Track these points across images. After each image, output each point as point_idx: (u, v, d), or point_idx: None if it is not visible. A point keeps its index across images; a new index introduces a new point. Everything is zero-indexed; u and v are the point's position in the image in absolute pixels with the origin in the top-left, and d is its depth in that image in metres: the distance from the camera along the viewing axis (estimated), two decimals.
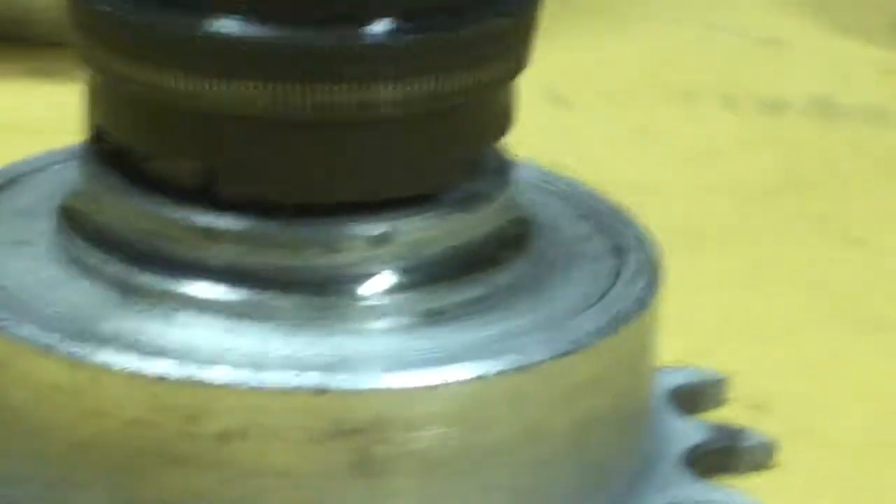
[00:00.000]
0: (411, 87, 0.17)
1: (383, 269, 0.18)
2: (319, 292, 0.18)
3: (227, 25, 0.17)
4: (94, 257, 0.18)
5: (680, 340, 0.24)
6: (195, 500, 0.16)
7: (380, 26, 0.17)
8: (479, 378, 0.17)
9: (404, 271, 0.18)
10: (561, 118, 0.39)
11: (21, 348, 0.17)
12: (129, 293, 0.18)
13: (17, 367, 0.17)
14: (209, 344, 0.17)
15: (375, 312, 0.18)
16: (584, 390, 0.18)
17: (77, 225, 0.19)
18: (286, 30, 0.16)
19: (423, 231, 0.18)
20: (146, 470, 0.16)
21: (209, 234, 0.17)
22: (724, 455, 0.22)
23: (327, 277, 0.18)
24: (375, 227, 0.18)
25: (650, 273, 0.20)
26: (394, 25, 0.17)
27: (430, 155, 0.18)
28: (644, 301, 0.20)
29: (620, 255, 0.21)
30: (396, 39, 0.17)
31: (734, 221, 0.34)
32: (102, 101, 0.19)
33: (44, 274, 0.19)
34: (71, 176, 0.20)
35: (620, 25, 0.46)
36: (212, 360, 0.16)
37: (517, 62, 0.19)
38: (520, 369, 0.17)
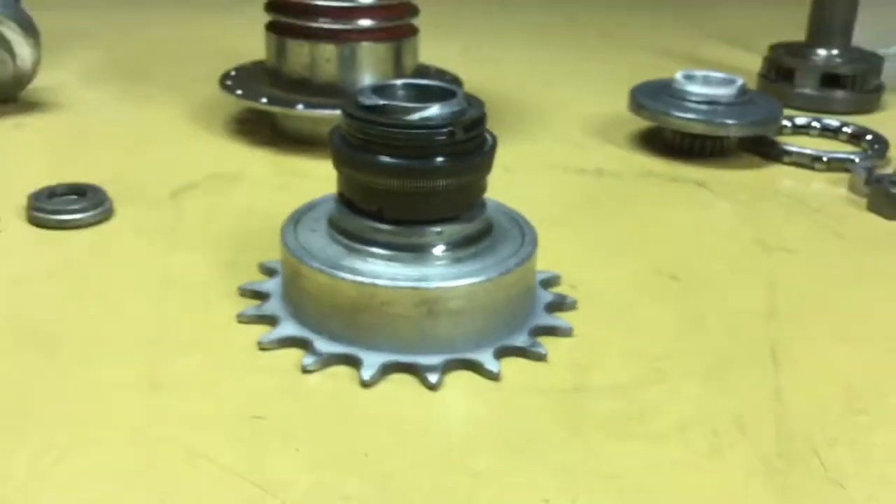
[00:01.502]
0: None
1: (440, 243, 0.47)
2: (418, 253, 0.47)
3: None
4: (338, 237, 0.48)
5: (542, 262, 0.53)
6: (372, 325, 0.46)
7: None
8: (474, 284, 0.46)
9: (448, 243, 0.47)
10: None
11: (312, 270, 0.47)
12: (350, 251, 0.48)
13: (311, 279, 0.47)
14: (378, 270, 0.46)
15: (437, 259, 0.47)
16: (512, 285, 0.47)
17: (332, 225, 0.49)
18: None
19: (457, 230, 0.47)
20: (352, 314, 0.46)
21: (377, 230, 0.47)
22: (558, 306, 0.51)
23: (421, 245, 0.47)
24: (438, 227, 0.47)
25: (532, 243, 0.49)
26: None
27: (460, 202, 0.47)
28: (531, 253, 0.48)
29: (522, 235, 0.50)
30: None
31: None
32: (345, 183, 0.48)
33: (321, 243, 0.49)
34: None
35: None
36: (378, 276, 0.46)
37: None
38: (487, 280, 0.46)
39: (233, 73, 0.79)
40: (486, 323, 0.47)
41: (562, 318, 0.50)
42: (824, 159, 0.74)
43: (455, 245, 0.48)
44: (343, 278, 0.46)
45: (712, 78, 0.77)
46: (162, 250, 0.57)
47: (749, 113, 0.74)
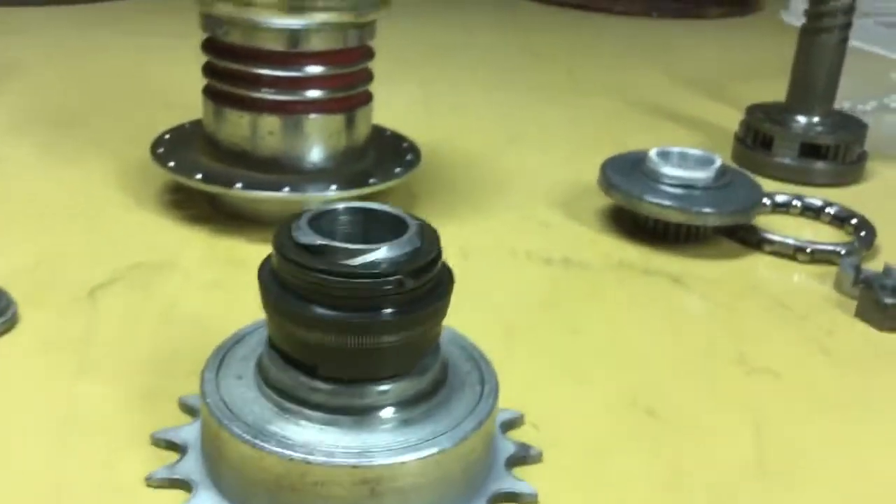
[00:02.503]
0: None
1: (386, 404, 0.40)
2: (360, 416, 0.40)
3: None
4: (268, 391, 0.41)
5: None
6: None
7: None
8: (426, 458, 0.39)
9: (395, 404, 0.40)
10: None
11: (233, 437, 0.39)
12: (282, 411, 0.40)
13: (231, 446, 0.39)
14: (312, 440, 0.39)
15: (382, 423, 0.40)
16: (471, 451, 0.40)
17: (261, 373, 0.42)
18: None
19: (406, 388, 0.40)
20: (277, 492, 0.39)
21: (312, 389, 0.40)
22: (521, 459, 0.44)
23: (363, 407, 0.40)
24: (384, 386, 0.40)
25: (493, 393, 0.42)
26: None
27: (410, 357, 0.40)
28: (489, 411, 0.41)
29: (482, 384, 0.43)
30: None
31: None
32: (276, 331, 0.41)
33: (247, 396, 0.41)
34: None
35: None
36: (310, 448, 0.38)
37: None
38: (441, 452, 0.39)
39: (167, 136, 0.70)
40: (438, 498, 0.40)
41: (524, 480, 0.43)
42: (808, 250, 0.67)
43: (403, 405, 0.40)
44: (269, 451, 0.38)
45: (689, 157, 0.70)
46: (68, 375, 0.49)
47: (727, 199, 0.67)
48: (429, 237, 0.40)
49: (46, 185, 0.72)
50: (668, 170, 0.68)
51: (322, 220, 0.41)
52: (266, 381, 0.41)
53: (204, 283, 0.59)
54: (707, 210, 0.66)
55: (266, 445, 0.38)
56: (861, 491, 0.45)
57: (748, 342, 0.57)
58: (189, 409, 0.46)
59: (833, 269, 0.66)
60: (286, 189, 0.63)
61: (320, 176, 0.65)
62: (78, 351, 0.51)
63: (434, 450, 0.39)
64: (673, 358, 0.55)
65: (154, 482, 0.42)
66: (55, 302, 0.55)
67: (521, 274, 0.64)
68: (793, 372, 0.54)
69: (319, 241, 0.39)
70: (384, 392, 0.40)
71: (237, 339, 0.45)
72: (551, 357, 0.54)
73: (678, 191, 0.67)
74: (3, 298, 0.53)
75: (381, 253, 0.38)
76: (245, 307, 0.50)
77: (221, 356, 0.44)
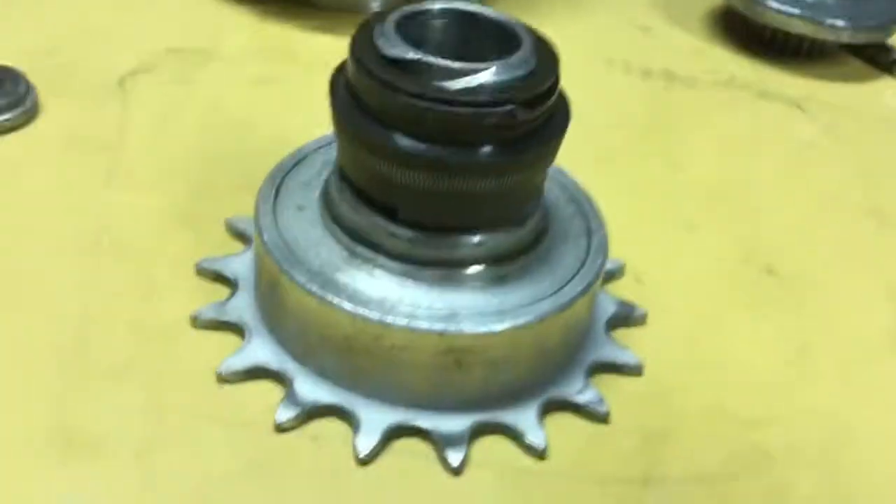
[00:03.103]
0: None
1: (478, 258, 0.33)
2: (447, 270, 0.33)
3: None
4: (336, 231, 0.34)
5: None
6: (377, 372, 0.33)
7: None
8: (521, 326, 0.32)
9: (488, 258, 0.33)
10: None
11: (296, 286, 0.32)
12: (353, 256, 0.33)
13: (293, 296, 0.33)
14: (390, 296, 0.32)
15: (472, 280, 0.33)
16: (571, 319, 0.34)
17: (328, 207, 0.35)
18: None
19: (502, 241, 0.33)
20: (347, 353, 0.33)
21: (391, 235, 0.33)
22: (623, 320, 0.38)
23: (452, 260, 0.33)
24: (477, 237, 0.33)
25: (603, 253, 0.35)
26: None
27: (511, 205, 0.33)
28: (598, 273, 0.35)
29: (588, 235, 0.36)
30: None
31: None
32: (349, 161, 0.33)
33: (311, 234, 0.34)
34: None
35: None
36: (389, 308, 0.32)
37: None
38: (539, 321, 0.33)
39: None
40: (531, 370, 0.34)
41: (627, 347, 0.37)
42: None
43: (498, 259, 0.33)
44: (338, 306, 0.32)
45: None
46: (98, 180, 0.42)
47: (863, 11, 0.57)
48: (545, 55, 0.32)
49: None
50: None
51: (412, 25, 0.33)
52: (334, 218, 0.34)
53: (251, 78, 0.51)
54: (839, 23, 0.56)
55: (335, 300, 0.32)
56: None
57: (879, 188, 0.49)
58: (238, 235, 0.40)
59: None
60: None
61: None
62: (108, 151, 0.44)
63: (532, 316, 0.33)
64: (794, 205, 0.48)
65: (201, 323, 0.36)
66: (80, 90, 0.48)
67: (617, 89, 0.55)
68: None
69: (411, 53, 0.31)
70: (477, 244, 0.33)
71: (297, 160, 0.38)
72: (651, 196, 0.47)
73: None
74: (21, 84, 0.46)
75: (489, 75, 0.30)
76: (301, 111, 0.43)
77: (279, 180, 0.37)
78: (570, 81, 0.53)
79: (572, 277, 0.34)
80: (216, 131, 0.47)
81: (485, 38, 0.33)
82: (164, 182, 0.43)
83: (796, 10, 0.56)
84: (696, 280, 0.42)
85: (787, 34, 0.58)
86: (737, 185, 0.48)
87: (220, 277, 0.38)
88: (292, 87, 0.50)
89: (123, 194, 0.42)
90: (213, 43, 0.53)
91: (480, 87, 0.30)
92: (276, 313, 0.35)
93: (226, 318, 0.36)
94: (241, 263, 0.38)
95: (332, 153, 0.37)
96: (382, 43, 0.31)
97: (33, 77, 0.46)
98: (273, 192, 0.36)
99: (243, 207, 0.39)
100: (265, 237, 0.34)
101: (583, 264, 0.35)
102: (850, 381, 0.38)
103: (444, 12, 0.34)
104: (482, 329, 0.32)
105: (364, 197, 0.33)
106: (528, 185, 0.33)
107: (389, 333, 0.32)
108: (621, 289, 0.40)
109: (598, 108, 0.52)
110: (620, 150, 0.50)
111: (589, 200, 0.38)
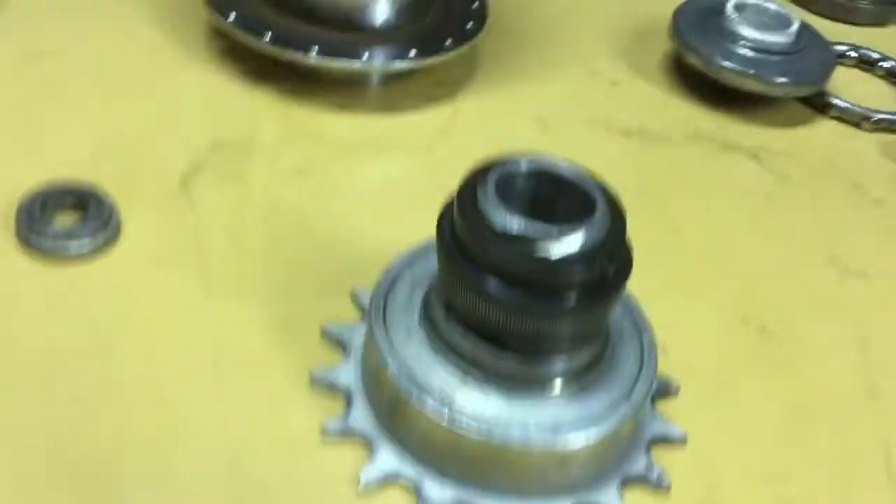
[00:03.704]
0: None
1: (562, 374, 0.41)
2: (543, 384, 0.41)
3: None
4: (448, 355, 0.41)
5: None
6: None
7: None
8: (608, 427, 0.40)
9: (569, 374, 0.41)
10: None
11: (424, 409, 0.40)
12: (466, 378, 0.40)
13: (422, 418, 0.40)
14: (504, 414, 0.40)
15: (558, 393, 0.41)
16: (640, 410, 0.42)
17: (436, 332, 0.41)
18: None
19: (580, 358, 0.41)
20: (471, 461, 0.40)
21: (501, 359, 0.40)
22: (664, 391, 0.46)
23: (546, 377, 0.41)
24: (562, 358, 0.40)
25: (655, 351, 0.43)
26: None
27: (591, 330, 0.40)
28: (655, 370, 0.43)
29: (639, 332, 0.44)
30: None
31: None
32: (458, 301, 0.40)
33: (424, 358, 0.41)
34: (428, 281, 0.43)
35: None
36: (507, 423, 0.39)
37: None
38: (620, 421, 0.41)
39: None
40: (612, 457, 0.42)
41: (671, 421, 0.45)
42: (873, 119, 0.68)
43: (580, 371, 0.41)
44: (464, 426, 0.39)
45: (766, 11, 0.68)
46: (198, 295, 0.48)
47: (803, 66, 0.66)
48: (616, 210, 0.40)
49: (74, 29, 0.65)
50: (747, 31, 0.66)
51: (506, 183, 0.39)
52: (444, 343, 0.41)
53: (293, 169, 0.56)
54: (784, 80, 0.65)
55: (461, 420, 0.39)
56: None
57: (834, 235, 0.59)
58: (336, 341, 0.46)
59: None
60: (365, 56, 0.59)
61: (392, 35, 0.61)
62: (196, 262, 0.49)
63: (615, 419, 0.41)
64: (769, 259, 0.57)
65: (329, 435, 0.42)
66: (151, 197, 0.52)
67: (605, 152, 0.62)
68: (880, 273, 0.57)
69: (516, 227, 0.37)
70: (567, 361, 0.41)
71: (391, 279, 0.44)
72: (656, 262, 0.54)
73: (755, 55, 0.66)
74: (104, 204, 0.50)
75: (579, 238, 0.38)
76: (347, 202, 0.53)
77: (382, 304, 0.43)
78: (562, 146, 0.61)
79: (637, 377, 0.42)
80: (279, 230, 0.52)
81: (564, 194, 0.40)
82: (254, 288, 0.48)
83: (751, 71, 0.65)
84: (709, 346, 0.50)
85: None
86: (721, 243, 0.57)
87: (332, 386, 0.44)
88: (331, 177, 0.56)
89: (223, 307, 0.47)
90: (248, 130, 0.58)
91: (575, 254, 0.37)
92: (401, 428, 0.41)
93: (350, 429, 0.42)
94: (348, 373, 0.44)
95: (417, 272, 0.44)
96: (492, 214, 0.38)
97: (105, 183, 0.50)
98: (380, 315, 0.43)
99: (332, 311, 0.46)
100: (392, 368, 0.41)
101: (641, 365, 0.43)
102: (841, 432, 0.47)
103: (532, 172, 0.40)
104: (581, 437, 0.40)
105: (474, 329, 0.40)
106: (609, 310, 0.41)
107: (510, 448, 0.39)
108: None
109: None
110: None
111: (631, 299, 0.46)
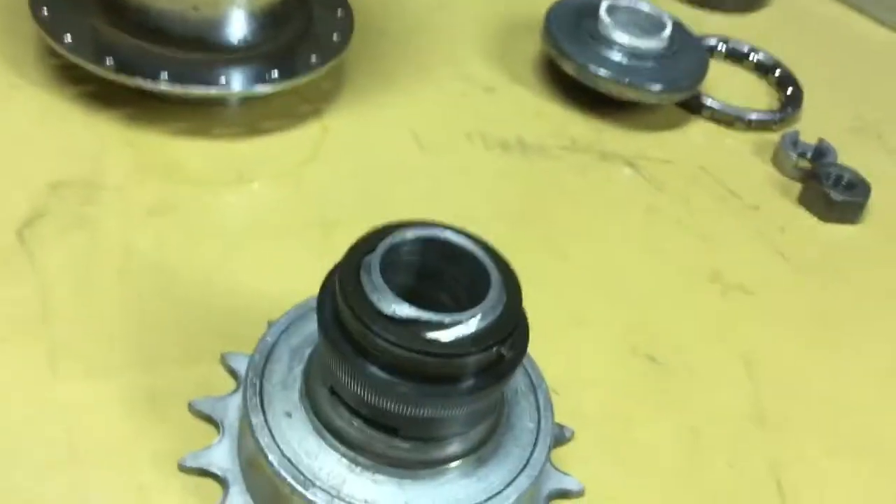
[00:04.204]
0: None
1: (465, 452, 0.38)
2: (439, 466, 0.38)
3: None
4: (334, 442, 0.37)
5: None
6: None
7: None
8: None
9: (471, 449, 0.38)
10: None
11: (311, 501, 0.36)
12: (355, 465, 0.37)
13: None
14: (395, 498, 0.36)
15: (454, 471, 0.38)
16: (540, 474, 0.40)
17: (319, 416, 0.38)
18: None
19: (482, 430, 0.38)
20: None
21: (394, 447, 0.37)
22: (559, 440, 0.44)
23: (441, 459, 0.38)
24: (463, 435, 0.38)
25: (551, 408, 0.41)
26: None
27: (487, 411, 0.38)
28: (552, 427, 0.40)
29: (535, 392, 0.42)
30: None
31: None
32: (345, 391, 0.36)
33: (308, 444, 0.37)
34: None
35: None
36: None
37: None
38: (521, 493, 0.38)
39: None
40: None
41: (568, 471, 0.43)
42: (746, 119, 0.67)
43: (478, 447, 0.39)
44: None
45: (639, 13, 0.66)
46: (44, 370, 0.42)
47: (677, 72, 0.65)
48: (512, 288, 0.37)
49: None
50: (621, 37, 0.64)
51: (391, 258, 0.36)
52: (329, 429, 0.37)
53: (147, 209, 0.51)
54: (659, 87, 0.64)
55: None
56: (853, 441, 0.49)
57: (713, 248, 0.58)
58: (206, 417, 0.42)
59: (768, 137, 0.67)
60: (222, 80, 0.54)
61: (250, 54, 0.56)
62: (40, 333, 0.44)
63: (515, 492, 0.38)
64: (654, 279, 0.55)
65: None
66: None
67: (484, 168, 0.60)
68: (761, 286, 0.56)
69: (406, 311, 0.34)
70: (463, 440, 0.38)
71: (265, 354, 0.40)
72: (543, 289, 0.52)
73: (630, 62, 0.64)
74: None
75: (474, 325, 0.35)
76: (211, 245, 0.49)
77: (258, 382, 0.39)
78: (440, 165, 0.58)
79: (535, 441, 0.40)
80: (136, 285, 0.47)
81: (454, 264, 0.37)
82: (111, 359, 0.43)
83: (625, 79, 0.63)
84: (599, 381, 0.49)
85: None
86: (608, 266, 0.55)
87: (204, 472, 0.40)
88: (191, 216, 0.51)
89: (76, 385, 0.42)
90: (93, 166, 0.52)
91: (468, 337, 0.34)
92: None
93: None
94: (222, 455, 0.40)
95: (295, 340, 0.40)
96: (376, 298, 0.34)
97: None
98: (258, 399, 0.39)
99: (202, 379, 0.42)
100: (271, 458, 0.37)
101: (538, 428, 0.41)
102: (736, 462, 0.47)
103: (419, 242, 0.37)
104: None
105: (362, 417, 0.37)
106: (503, 392, 0.38)
107: None
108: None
109: (474, 196, 0.57)
110: (507, 242, 0.54)
111: (530, 362, 0.43)
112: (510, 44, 0.69)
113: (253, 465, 0.39)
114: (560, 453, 0.44)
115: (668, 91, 0.64)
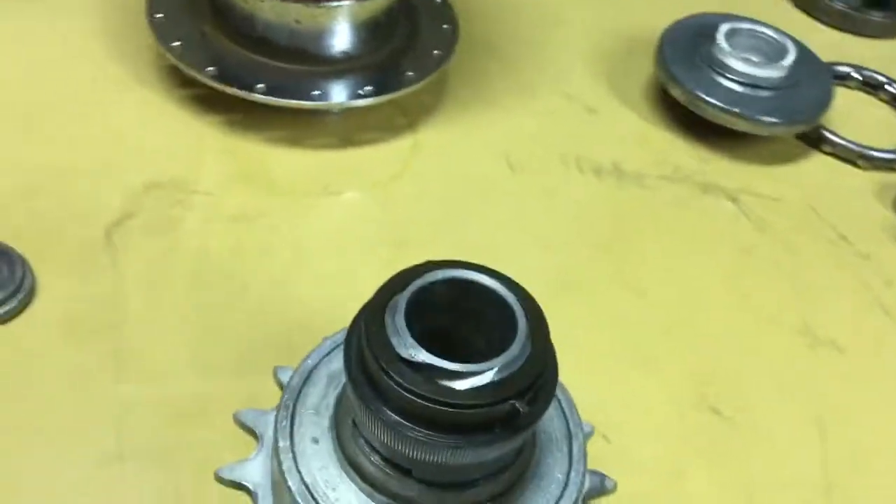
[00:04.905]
0: None
1: (483, 499, 0.37)
2: None
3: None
4: (354, 476, 0.38)
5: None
6: None
7: None
8: None
9: (490, 497, 0.38)
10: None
11: None
12: (371, 501, 0.37)
13: None
14: None
15: None
16: None
17: (343, 448, 0.38)
18: None
19: (504, 479, 0.37)
20: None
21: (408, 487, 0.37)
22: (596, 491, 0.43)
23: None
24: (482, 483, 0.37)
25: (584, 462, 0.40)
26: None
27: (509, 461, 0.37)
28: (582, 485, 0.39)
29: (569, 440, 0.40)
30: None
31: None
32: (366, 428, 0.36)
33: (330, 473, 0.38)
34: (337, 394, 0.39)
35: None
36: None
37: None
38: None
39: None
40: None
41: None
42: (870, 156, 0.63)
43: (497, 497, 0.38)
44: None
45: (760, 37, 0.62)
46: (108, 371, 0.45)
47: (795, 104, 0.61)
48: (539, 340, 0.35)
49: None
50: (737, 63, 0.61)
51: (422, 300, 0.36)
52: (351, 463, 0.38)
53: (231, 215, 0.52)
54: (773, 120, 0.60)
55: None
56: None
57: (807, 297, 0.54)
58: (249, 430, 0.43)
59: (893, 180, 0.62)
60: (317, 93, 0.55)
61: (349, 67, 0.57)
62: (109, 334, 0.46)
63: None
64: (735, 326, 0.52)
65: None
66: (67, 252, 0.49)
67: (573, 193, 0.58)
68: (854, 343, 0.52)
69: (422, 357, 0.34)
70: (481, 488, 0.37)
71: (304, 378, 0.41)
72: (614, 331, 0.51)
73: (744, 90, 0.61)
74: (17, 263, 0.47)
75: (489, 376, 0.34)
76: (286, 256, 0.50)
77: (292, 407, 0.40)
78: (527, 190, 0.57)
79: (562, 493, 0.39)
80: (206, 293, 0.48)
81: (486, 308, 0.36)
82: (169, 365, 0.45)
83: (736, 109, 0.60)
84: (655, 431, 0.47)
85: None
86: (687, 308, 0.53)
87: (237, 485, 0.41)
88: (271, 224, 0.52)
89: (133, 387, 0.44)
90: (189, 170, 0.54)
91: (482, 388, 0.34)
92: None
93: None
94: (256, 470, 0.41)
95: (335, 365, 0.41)
96: (396, 341, 0.34)
97: (20, 244, 0.47)
98: (288, 424, 0.39)
99: (253, 390, 0.43)
100: (290, 483, 0.38)
101: (567, 476, 0.39)
102: None
103: (448, 284, 0.36)
104: None
105: (379, 454, 0.37)
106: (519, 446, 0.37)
107: None
108: (592, 448, 0.45)
109: (558, 222, 0.56)
110: (584, 273, 0.53)
111: (565, 392, 0.42)
112: (623, 64, 0.67)
113: (278, 485, 0.40)
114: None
115: (783, 124, 0.60)
